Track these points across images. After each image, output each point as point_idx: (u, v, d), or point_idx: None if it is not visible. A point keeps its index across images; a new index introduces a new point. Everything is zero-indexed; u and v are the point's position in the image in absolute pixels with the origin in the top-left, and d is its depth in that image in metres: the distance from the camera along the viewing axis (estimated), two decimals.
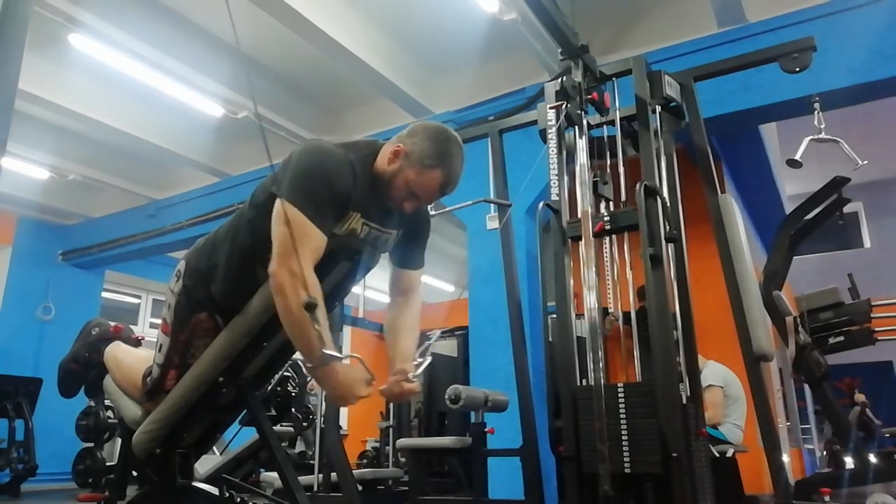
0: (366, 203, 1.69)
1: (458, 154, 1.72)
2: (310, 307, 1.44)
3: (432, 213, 4.46)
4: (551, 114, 2.94)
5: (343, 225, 1.67)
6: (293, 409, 5.66)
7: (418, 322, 1.89)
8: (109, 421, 5.47)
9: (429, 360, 1.74)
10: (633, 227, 2.70)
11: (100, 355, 2.12)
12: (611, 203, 3.00)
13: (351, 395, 1.57)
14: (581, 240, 2.73)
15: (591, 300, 2.62)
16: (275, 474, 3.57)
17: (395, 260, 1.92)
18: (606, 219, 2.75)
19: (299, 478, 2.16)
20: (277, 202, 1.58)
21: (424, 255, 1.96)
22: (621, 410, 2.44)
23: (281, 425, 5.45)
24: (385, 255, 1.91)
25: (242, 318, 1.70)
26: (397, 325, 1.86)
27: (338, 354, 1.54)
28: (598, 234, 2.76)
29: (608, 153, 3.09)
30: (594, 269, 2.67)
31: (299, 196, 1.54)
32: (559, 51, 2.95)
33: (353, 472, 4.26)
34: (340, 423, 7.69)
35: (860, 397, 5.96)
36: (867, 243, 10.94)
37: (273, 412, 5.40)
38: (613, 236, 3.02)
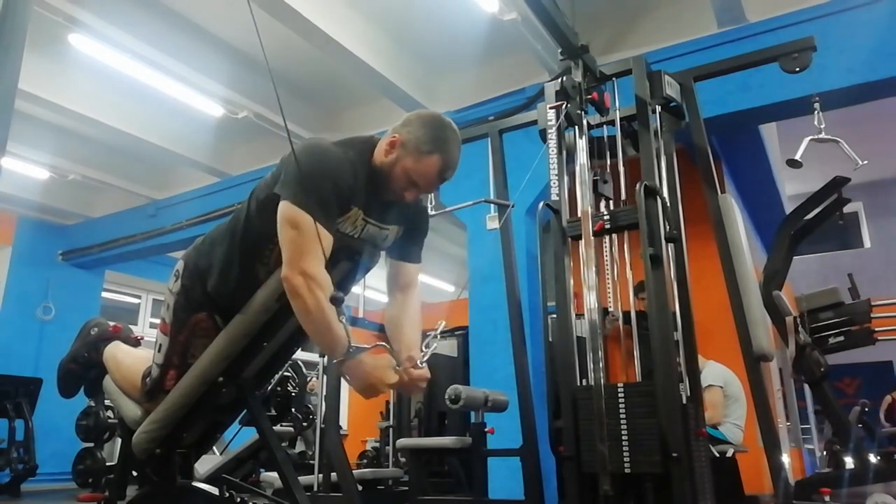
0: (365, 199, 1.70)
1: (454, 139, 1.72)
2: (336, 301, 1.46)
3: (432, 213, 4.48)
4: (551, 114, 2.94)
5: (344, 222, 1.67)
6: (293, 409, 5.66)
7: (420, 316, 1.88)
8: (109, 421, 5.47)
9: (436, 346, 1.72)
10: (633, 226, 2.70)
11: (99, 355, 2.12)
12: (611, 202, 3.00)
13: (380, 383, 1.56)
14: (581, 239, 2.73)
15: (591, 300, 2.62)
16: (275, 474, 3.57)
17: (393, 254, 1.91)
18: (606, 218, 2.75)
19: (299, 478, 2.16)
20: (282, 204, 1.58)
21: (422, 251, 1.95)
22: (621, 410, 2.44)
23: (281, 425, 5.45)
24: (383, 253, 1.91)
25: (242, 318, 1.70)
26: (399, 319, 1.85)
27: (365, 346, 1.54)
28: (598, 233, 2.76)
29: (608, 153, 3.08)
30: (594, 268, 2.67)
31: (303, 197, 1.54)
32: (559, 51, 2.95)
33: (353, 472, 4.25)
34: (340, 423, 7.70)
35: None
36: (867, 243, 10.94)
37: (273, 412, 5.40)
38: (613, 236, 3.03)
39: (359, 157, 1.70)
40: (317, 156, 1.62)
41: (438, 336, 1.73)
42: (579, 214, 2.79)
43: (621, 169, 3.03)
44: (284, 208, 1.57)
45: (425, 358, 1.70)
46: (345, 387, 9.85)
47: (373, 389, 1.57)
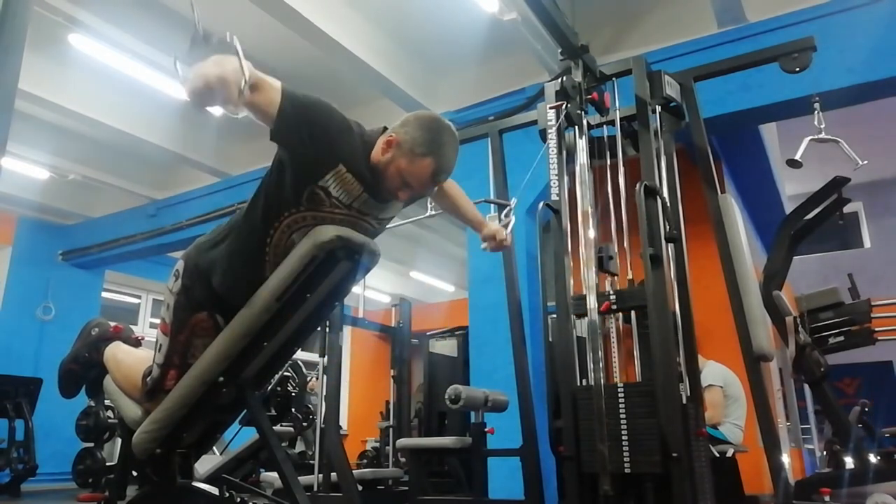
0: (356, 162, 1.69)
1: (450, 143, 1.72)
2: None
3: (433, 213, 4.49)
4: (551, 114, 2.94)
5: (335, 180, 1.66)
6: (293, 409, 5.66)
7: (464, 193, 2.15)
8: (109, 421, 5.48)
9: (513, 218, 2.17)
10: (640, 307, 2.66)
11: (100, 355, 2.12)
12: (616, 279, 2.87)
13: (215, 78, 1.41)
14: (581, 240, 2.73)
15: (591, 300, 2.62)
16: (275, 474, 3.58)
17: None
18: (613, 298, 2.69)
19: (299, 478, 2.16)
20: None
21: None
22: (621, 410, 2.44)
23: (281, 425, 5.46)
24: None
25: (242, 318, 1.70)
26: (453, 200, 2.11)
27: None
28: (605, 313, 2.69)
29: (608, 153, 3.09)
30: (594, 269, 2.67)
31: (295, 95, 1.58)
32: (559, 51, 2.95)
33: (353, 472, 4.26)
34: (340, 423, 7.70)
35: None
36: (867, 243, 10.94)
37: (273, 412, 5.41)
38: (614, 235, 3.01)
39: (363, 137, 1.72)
40: (327, 105, 1.66)
41: (513, 216, 2.22)
42: (579, 215, 2.79)
43: (621, 169, 3.03)
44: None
45: (510, 228, 2.13)
46: (345, 386, 9.82)
47: (203, 79, 1.41)
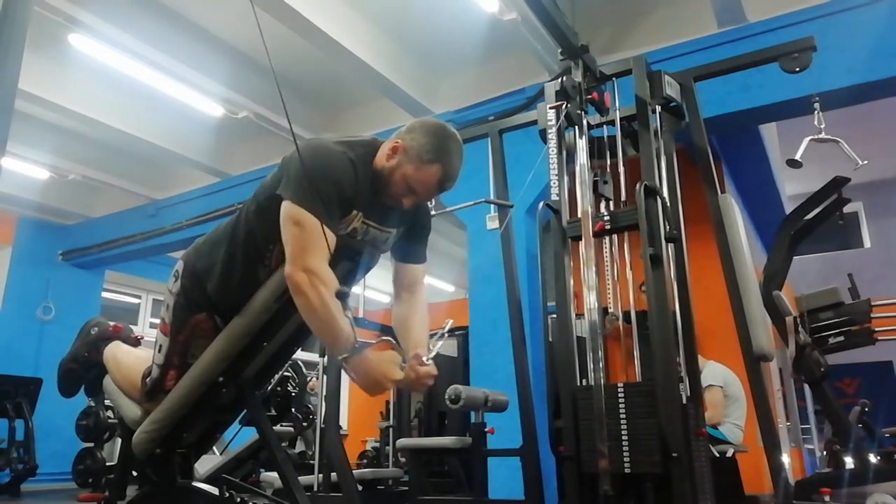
0: (366, 202, 1.70)
1: (456, 150, 1.72)
2: (341, 296, 1.45)
3: (433, 212, 4.46)
4: (551, 114, 2.94)
5: (345, 224, 1.67)
6: (293, 409, 5.66)
7: (427, 314, 1.86)
8: (109, 421, 5.47)
9: (441, 344, 1.71)
10: (633, 227, 2.69)
11: (99, 355, 2.12)
12: (611, 202, 3.00)
13: (385, 379, 1.55)
14: (581, 240, 2.73)
15: (591, 300, 2.62)
16: (275, 474, 3.57)
17: (397, 255, 1.91)
18: (606, 218, 2.75)
19: (299, 478, 2.16)
20: (285, 204, 1.58)
21: (426, 250, 1.94)
22: (621, 410, 2.44)
23: (281, 425, 5.45)
24: (385, 254, 1.91)
25: (242, 318, 1.70)
26: (406, 318, 1.83)
27: (370, 341, 1.53)
28: (599, 234, 2.75)
29: (608, 153, 3.09)
30: (594, 268, 2.67)
31: (306, 196, 1.54)
32: (559, 51, 2.95)
33: (353, 472, 4.25)
34: (340, 423, 7.70)
35: None
36: (867, 243, 10.94)
37: (273, 412, 5.40)
38: (614, 236, 3.03)
39: (361, 158, 1.69)
40: (320, 156, 1.62)
41: (446, 335, 1.72)
42: (579, 214, 2.79)
43: (621, 169, 3.03)
44: (287, 207, 1.57)
45: (431, 355, 1.68)
46: (345, 387, 9.83)
47: (377, 386, 1.56)
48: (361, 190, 1.67)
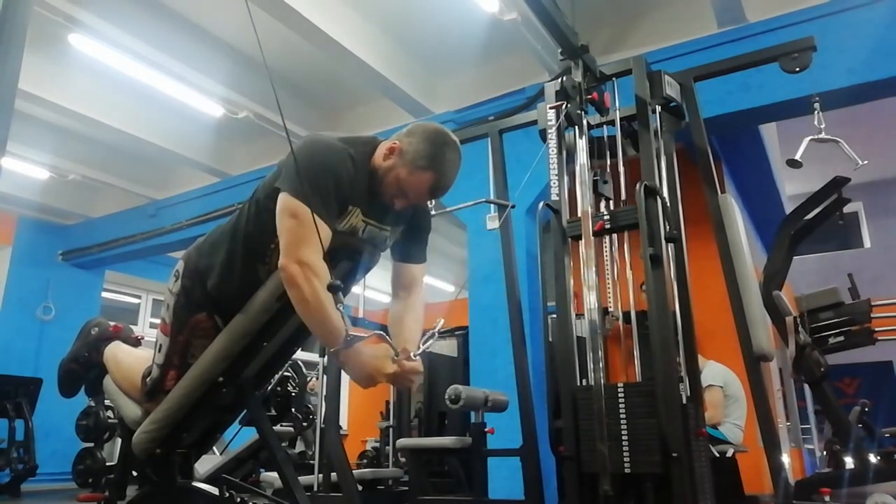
0: (365, 199, 1.70)
1: (452, 160, 1.71)
2: (333, 289, 1.44)
3: (433, 212, 4.46)
4: (551, 114, 2.94)
5: (343, 220, 1.67)
6: (293, 409, 5.66)
7: (422, 314, 1.86)
8: (109, 421, 5.47)
9: (432, 342, 1.70)
10: (632, 226, 2.69)
11: (99, 355, 2.12)
12: (611, 202, 3.00)
13: (378, 372, 1.54)
14: (581, 239, 2.73)
15: (591, 300, 2.62)
16: (275, 474, 3.57)
17: (396, 255, 1.91)
18: (606, 218, 2.75)
19: (299, 478, 2.16)
20: (281, 196, 1.58)
21: (426, 250, 1.94)
22: (621, 410, 2.44)
23: (281, 425, 5.45)
24: (385, 253, 1.91)
25: (242, 318, 1.70)
26: (401, 316, 1.83)
27: (362, 334, 1.52)
28: (598, 233, 2.75)
29: (608, 153, 3.09)
30: (594, 268, 2.67)
31: (303, 189, 1.54)
32: (559, 51, 2.95)
33: (353, 472, 4.25)
34: (340, 423, 7.69)
35: None
36: (867, 243, 10.94)
37: (273, 412, 5.40)
38: (614, 236, 3.03)
39: (361, 155, 1.70)
40: (319, 151, 1.63)
41: (437, 334, 1.71)
42: (579, 214, 2.79)
43: (621, 169, 3.03)
44: (283, 199, 1.57)
45: (420, 351, 1.67)
46: (345, 387, 9.83)
47: (370, 379, 1.55)
48: (360, 187, 1.67)
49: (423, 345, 1.70)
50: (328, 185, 1.58)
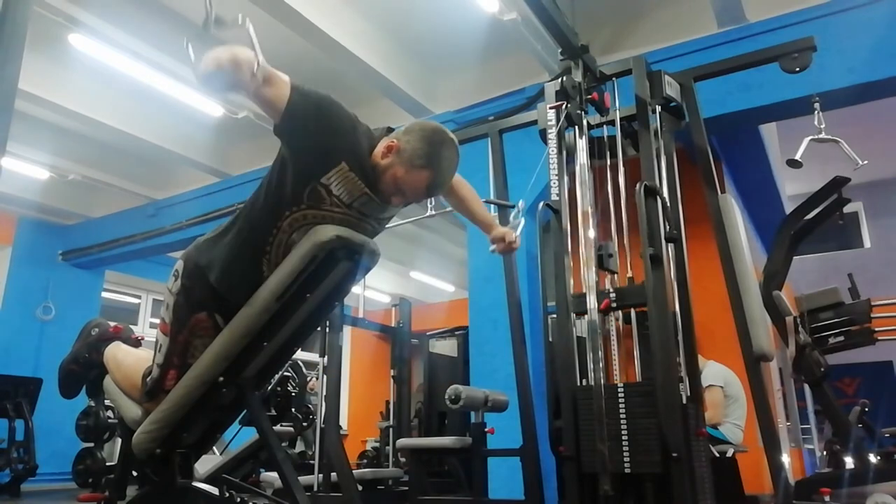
0: (358, 165, 1.69)
1: (450, 158, 1.72)
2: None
3: (433, 213, 4.48)
4: (551, 114, 2.94)
5: (336, 178, 1.66)
6: (293, 409, 5.66)
7: (475, 193, 2.11)
8: (109, 421, 5.48)
9: (523, 220, 2.13)
10: (640, 304, 2.64)
11: (100, 355, 2.12)
12: (615, 277, 2.86)
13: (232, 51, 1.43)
14: (581, 240, 2.73)
15: (591, 300, 2.62)
16: (275, 474, 3.57)
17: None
18: (612, 295, 2.68)
19: (299, 478, 2.16)
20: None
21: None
22: (621, 410, 2.44)
23: (281, 425, 5.45)
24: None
25: (242, 318, 1.70)
26: (463, 199, 2.06)
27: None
28: (605, 311, 2.68)
29: (608, 153, 3.09)
30: (594, 268, 2.67)
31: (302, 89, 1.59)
32: (559, 51, 2.95)
33: (353, 472, 4.26)
34: (340, 423, 7.69)
35: None
36: (867, 243, 10.93)
37: (273, 412, 5.41)
38: (614, 236, 3.02)
39: (365, 136, 1.72)
40: (331, 102, 1.65)
41: (523, 218, 2.16)
42: (579, 215, 2.79)
43: (621, 169, 3.03)
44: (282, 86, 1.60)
45: (519, 230, 2.10)
46: (345, 387, 9.81)
47: (221, 55, 1.44)
48: (359, 151, 1.69)
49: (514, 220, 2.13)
50: (324, 113, 1.62)
